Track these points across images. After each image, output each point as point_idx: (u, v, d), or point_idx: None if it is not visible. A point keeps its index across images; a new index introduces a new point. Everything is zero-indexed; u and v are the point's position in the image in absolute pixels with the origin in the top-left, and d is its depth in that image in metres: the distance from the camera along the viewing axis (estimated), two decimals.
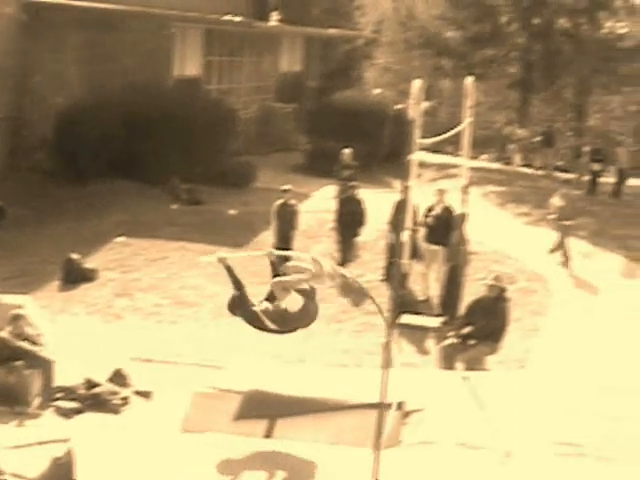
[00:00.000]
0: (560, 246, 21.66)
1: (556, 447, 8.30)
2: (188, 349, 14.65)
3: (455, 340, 12.96)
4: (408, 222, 9.96)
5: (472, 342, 12.96)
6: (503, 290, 13.31)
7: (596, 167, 30.32)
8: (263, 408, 9.11)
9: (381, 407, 6.72)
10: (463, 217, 14.46)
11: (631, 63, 37.46)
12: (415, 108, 7.95)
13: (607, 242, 23.87)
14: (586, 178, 30.74)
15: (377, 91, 37.00)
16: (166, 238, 20.45)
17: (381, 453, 6.83)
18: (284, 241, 18.93)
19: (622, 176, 30.22)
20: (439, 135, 11.49)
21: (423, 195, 19.71)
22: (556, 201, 22.30)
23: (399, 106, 29.66)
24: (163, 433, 8.89)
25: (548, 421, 8.71)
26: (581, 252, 22.86)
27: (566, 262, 21.28)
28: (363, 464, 6.97)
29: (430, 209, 18.35)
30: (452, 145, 27.23)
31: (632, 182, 31.15)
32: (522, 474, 7.56)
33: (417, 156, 9.92)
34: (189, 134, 24.01)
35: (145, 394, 11.76)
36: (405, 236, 8.71)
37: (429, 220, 18.11)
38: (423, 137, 10.19)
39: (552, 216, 22.29)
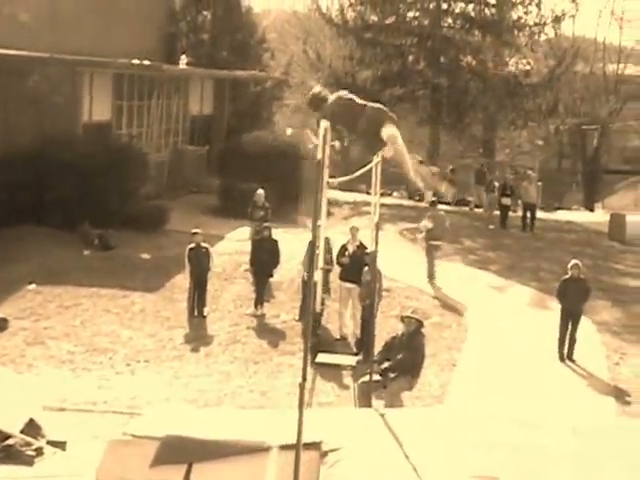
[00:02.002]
0: (431, 269, 22.23)
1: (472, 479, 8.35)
2: (103, 396, 14.44)
3: (373, 377, 12.97)
4: (320, 261, 9.98)
5: (391, 376, 12.99)
6: (420, 324, 13.40)
7: (506, 201, 30.84)
8: (180, 454, 8.99)
9: (298, 448, 6.69)
10: (376, 254, 14.54)
11: (536, 98, 38.30)
12: (322, 148, 8.00)
13: (519, 275, 24.26)
14: (497, 213, 31.25)
15: (289, 131, 37.22)
16: (78, 284, 20.19)
17: None
18: (198, 284, 18.88)
19: (532, 210, 30.78)
20: (349, 173, 11.59)
21: (337, 234, 19.86)
22: (425, 223, 22.78)
23: (311, 146, 29.86)
24: None
25: (465, 455, 8.76)
26: (494, 286, 23.20)
27: (431, 279, 21.94)
28: None
29: (344, 247, 18.46)
30: (365, 183, 27.49)
31: (541, 215, 31.76)
32: None
33: (327, 195, 9.96)
34: (100, 179, 23.80)
35: (59, 444, 11.53)
36: (318, 275, 8.73)
37: (343, 259, 18.21)
38: (333, 176, 10.25)
39: (421, 236, 23.02)
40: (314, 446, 8.81)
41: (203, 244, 19.04)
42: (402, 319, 13.59)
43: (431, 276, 22.47)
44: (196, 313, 18.72)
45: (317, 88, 9.63)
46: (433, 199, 25.05)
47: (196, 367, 16.19)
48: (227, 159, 30.25)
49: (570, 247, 27.52)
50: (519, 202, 32.08)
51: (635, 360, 17.93)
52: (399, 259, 23.65)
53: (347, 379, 15.18)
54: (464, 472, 8.41)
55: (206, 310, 18.85)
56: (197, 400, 14.35)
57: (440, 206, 25.07)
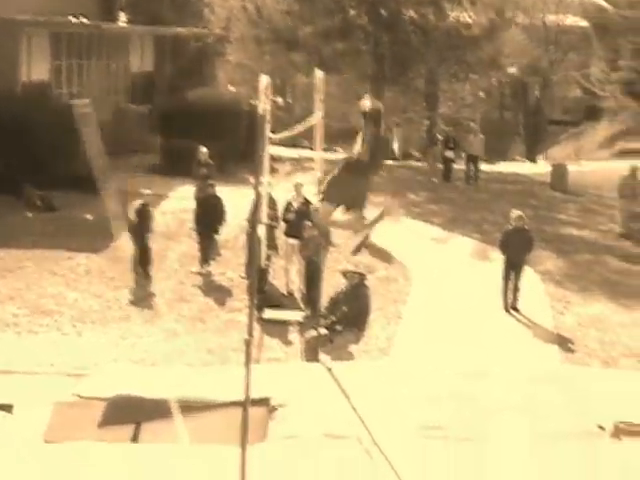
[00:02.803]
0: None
1: (421, 431, 8.44)
2: (49, 358, 14.36)
3: (320, 331, 13.04)
4: (265, 217, 9.96)
5: (337, 330, 13.06)
6: (362, 277, 13.48)
7: (449, 154, 30.96)
8: (128, 413, 8.99)
9: (245, 404, 6.70)
10: (319, 210, 14.55)
11: (477, 51, 38.33)
12: (264, 103, 7.96)
13: (463, 227, 24.43)
14: (440, 166, 31.37)
15: (231, 88, 36.93)
16: (22, 247, 19.99)
17: (248, 449, 6.81)
18: (142, 245, 18.76)
19: (475, 162, 30.94)
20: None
21: (282, 190, 19.82)
22: None
23: (253, 102, 29.66)
24: (24, 445, 8.69)
25: (412, 406, 8.85)
26: (438, 238, 23.36)
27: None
28: (230, 461, 6.95)
29: (289, 203, 18.44)
30: (309, 139, 27.41)
31: (485, 167, 31.93)
32: (389, 460, 7.65)
33: (270, 151, 9.92)
34: (40, 140, 23.49)
35: (6, 407, 11.44)
36: (262, 231, 8.72)
37: (288, 215, 18.20)
38: (276, 132, 10.19)
39: None
40: (262, 402, 8.85)
41: (145, 203, 18.95)
42: (344, 274, 13.63)
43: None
44: (141, 273, 18.64)
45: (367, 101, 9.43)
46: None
47: (143, 327, 16.13)
48: (169, 117, 29.95)
49: (513, 198, 27.72)
50: (462, 155, 32.23)
51: (579, 309, 18.18)
52: None
53: (294, 334, 15.23)
54: (411, 424, 8.49)
55: (151, 269, 18.76)
56: (144, 360, 14.32)
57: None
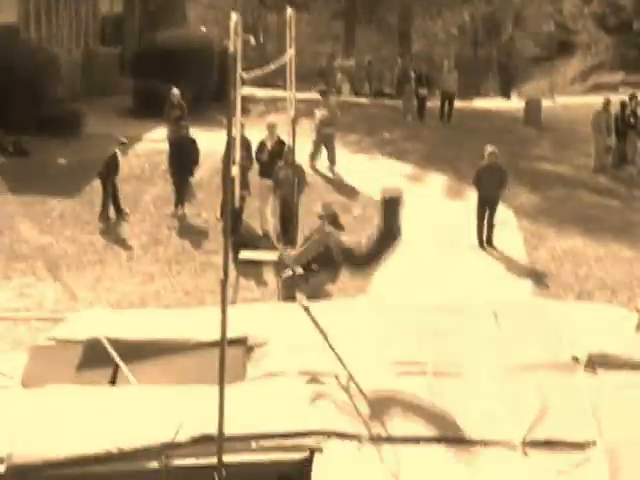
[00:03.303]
0: (316, 151, 22.32)
1: (398, 367, 8.47)
2: (25, 303, 14.33)
3: (295, 270, 13.04)
4: (238, 158, 9.90)
5: (313, 270, 13.08)
6: (335, 217, 13.47)
7: (423, 92, 30.83)
8: (106, 356, 8.97)
9: (222, 344, 6.71)
10: (294, 150, 14.51)
11: None
12: (235, 41, 7.86)
13: (437, 164, 24.43)
14: (414, 103, 31.24)
15: (203, 29, 36.55)
16: None
17: (226, 389, 6.83)
18: (113, 187, 18.74)
19: (449, 99, 30.84)
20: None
21: (254, 130, 19.73)
22: (319, 111, 22.87)
23: (225, 43, 29.38)
24: (2, 391, 8.68)
25: (389, 342, 8.87)
26: (412, 176, 23.36)
27: (313, 161, 22.29)
28: (209, 400, 6.96)
29: (262, 144, 18.36)
30: (281, 79, 27.22)
31: (459, 104, 31.85)
32: (366, 396, 7.70)
33: (243, 91, 9.84)
34: (9, 83, 23.22)
35: None
36: (236, 172, 8.67)
37: (261, 155, 18.13)
38: (246, 69, 10.09)
39: (315, 124, 23.22)
40: (239, 342, 8.85)
41: (119, 152, 18.86)
42: (319, 216, 13.63)
43: (313, 157, 22.42)
44: (114, 216, 18.59)
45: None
46: (323, 89, 25.04)
47: (118, 270, 16.11)
48: (140, 59, 29.66)
49: (487, 135, 27.66)
50: (436, 92, 32.12)
51: (552, 243, 18.29)
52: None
53: (270, 274, 15.24)
54: (388, 359, 8.53)
55: (124, 212, 18.70)
56: (120, 302, 14.33)
57: (359, 98, 25.07)
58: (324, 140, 22.73)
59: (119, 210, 18.73)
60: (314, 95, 35.19)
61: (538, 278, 16.28)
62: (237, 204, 14.90)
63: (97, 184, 19.90)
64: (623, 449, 6.79)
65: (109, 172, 18.55)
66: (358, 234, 18.06)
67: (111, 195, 18.67)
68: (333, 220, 13.55)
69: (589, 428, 7.08)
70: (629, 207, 21.63)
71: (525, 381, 7.91)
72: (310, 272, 13.17)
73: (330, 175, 22.54)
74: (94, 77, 30.92)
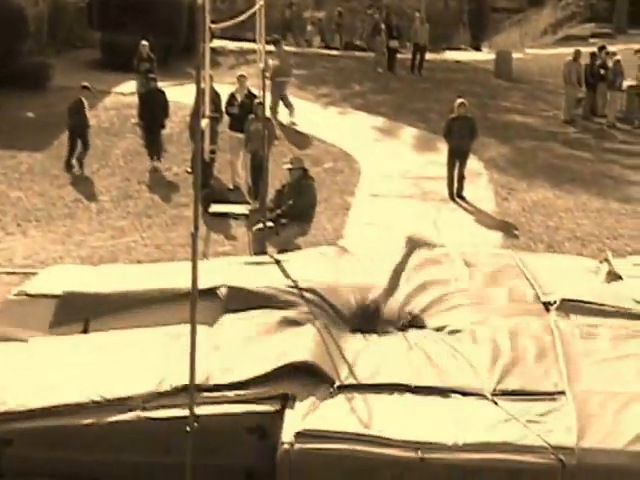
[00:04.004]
0: (275, 103, 22.25)
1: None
2: None
3: (266, 224, 13.03)
4: (208, 111, 9.84)
5: (283, 223, 13.08)
6: (305, 170, 13.44)
7: (393, 44, 30.69)
8: (79, 309, 8.96)
9: (193, 295, 6.71)
10: (264, 103, 14.45)
11: None
12: None
13: (408, 117, 24.39)
14: (385, 56, 31.10)
15: None
16: None
17: (197, 338, 6.85)
18: (81, 138, 18.61)
19: (421, 51, 30.70)
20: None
21: (224, 83, 19.62)
22: (272, 60, 22.68)
23: None
24: None
25: (360, 292, 8.90)
26: (383, 129, 23.33)
27: (274, 113, 22.02)
28: (180, 345, 7.00)
29: (232, 96, 18.25)
30: (252, 31, 27.01)
31: (430, 56, 31.73)
32: (338, 342, 7.73)
33: (212, 44, 9.75)
34: None
35: None
36: (205, 125, 8.60)
37: (232, 108, 18.03)
38: (214, 21, 9.99)
39: (268, 75, 22.97)
40: (211, 293, 8.87)
41: (83, 98, 18.70)
42: (289, 169, 13.59)
43: (274, 110, 22.31)
44: (78, 168, 18.51)
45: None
46: (276, 37, 24.88)
47: (88, 224, 16.03)
48: (108, 11, 29.27)
49: (458, 87, 27.64)
50: (407, 44, 31.98)
51: (522, 195, 18.35)
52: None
53: (241, 228, 15.23)
54: (359, 307, 8.58)
55: (84, 164, 18.59)
56: (91, 257, 14.27)
57: (330, 51, 24.94)
58: (279, 89, 22.56)
59: (81, 164, 18.63)
60: (287, 47, 35.07)
61: (508, 230, 16.35)
62: (207, 158, 14.83)
63: (66, 138, 19.75)
64: (591, 398, 6.87)
65: (72, 119, 18.45)
66: (329, 187, 18.12)
67: (75, 145, 18.57)
68: (302, 173, 13.50)
69: (558, 377, 7.16)
70: (599, 159, 21.72)
71: (497, 329, 7.98)
72: (280, 225, 13.17)
73: (293, 124, 22.48)
74: (61, 30, 30.55)
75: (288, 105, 22.92)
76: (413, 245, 9.22)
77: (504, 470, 6.30)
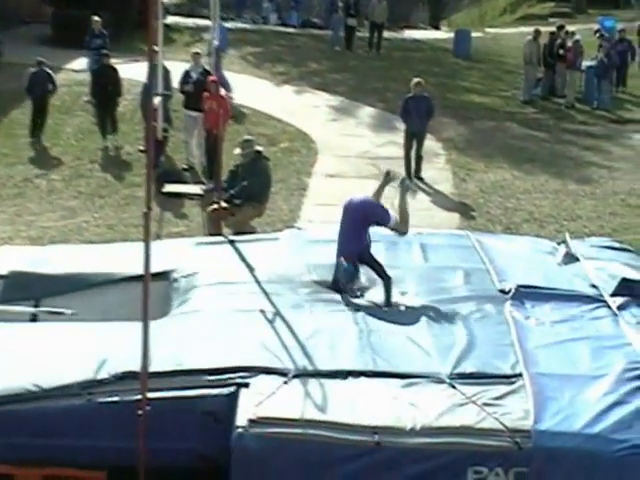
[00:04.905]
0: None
1: (324, 300, 8.51)
2: None
3: (221, 204, 12.97)
4: (161, 88, 9.76)
5: (237, 203, 13.01)
6: (258, 151, 13.34)
7: (351, 22, 30.62)
8: (26, 290, 8.88)
9: (146, 277, 6.67)
10: (220, 80, 14.37)
11: None
12: None
13: (366, 96, 24.38)
14: (342, 34, 31.03)
15: None
16: None
17: (150, 324, 6.81)
18: (40, 108, 18.48)
19: (379, 30, 30.66)
20: None
21: (179, 60, 19.50)
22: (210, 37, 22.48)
23: None
24: None
25: (314, 277, 8.90)
26: (340, 108, 23.31)
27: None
28: (134, 336, 6.93)
29: (187, 74, 18.12)
30: (207, 8, 26.87)
31: (388, 35, 31.73)
32: (292, 327, 7.74)
33: (167, 20, 9.68)
34: None
35: None
36: (159, 103, 8.53)
37: (186, 86, 17.91)
38: None
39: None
40: (164, 275, 8.82)
41: (45, 68, 18.58)
42: (241, 147, 13.48)
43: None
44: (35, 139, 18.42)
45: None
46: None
47: (39, 204, 15.88)
48: None
49: (416, 66, 27.68)
50: (365, 22, 31.94)
51: (480, 175, 18.43)
52: (244, 84, 23.43)
53: (196, 208, 15.16)
54: (314, 292, 8.58)
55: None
56: (42, 238, 14.14)
57: (287, 29, 24.84)
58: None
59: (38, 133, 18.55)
60: (243, 24, 34.90)
61: (466, 211, 16.42)
62: (160, 136, 14.74)
63: (15, 115, 19.56)
64: (548, 381, 6.93)
65: (29, 91, 18.40)
66: (285, 167, 18.09)
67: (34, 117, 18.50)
68: (256, 153, 13.40)
69: (515, 361, 7.21)
70: (557, 139, 21.85)
71: (452, 314, 8.01)
72: (235, 206, 13.12)
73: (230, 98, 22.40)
74: (11, 4, 30.17)
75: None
76: (390, 178, 9.27)
77: (461, 453, 6.33)
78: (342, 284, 8.54)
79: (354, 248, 8.71)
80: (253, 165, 13.20)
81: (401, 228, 8.91)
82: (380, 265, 8.64)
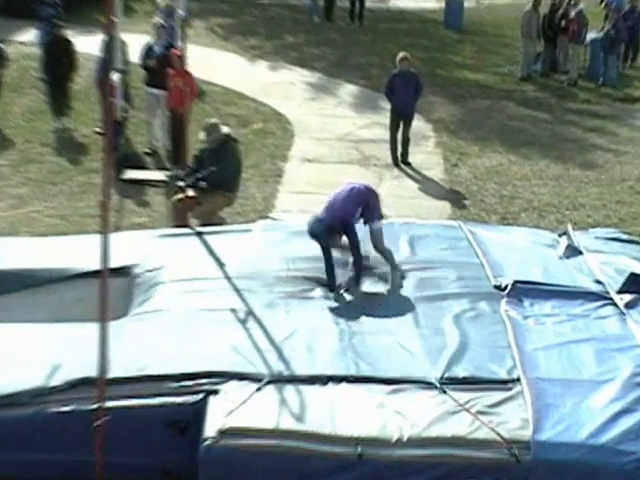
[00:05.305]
0: None
1: (300, 298, 8.53)
2: None
3: (187, 193, 12.96)
4: (119, 63, 9.76)
5: (204, 190, 12.95)
6: (226, 134, 13.28)
7: None
8: None
9: (104, 274, 6.65)
10: (185, 55, 14.31)
11: None
12: None
13: (347, 72, 24.39)
14: (321, 3, 30.99)
15: None
16: None
17: (109, 325, 6.80)
18: None
19: None
20: None
21: (140, 32, 19.41)
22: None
23: None
24: None
25: (289, 273, 8.93)
26: (320, 86, 23.30)
27: None
28: (90, 335, 6.94)
29: (149, 47, 18.04)
30: None
31: (371, 4, 31.69)
32: (267, 329, 7.76)
33: None
34: None
35: None
36: (117, 79, 8.52)
37: (149, 60, 17.83)
38: None
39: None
40: (125, 272, 8.83)
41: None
42: (206, 129, 13.44)
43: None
44: None
45: None
46: None
47: None
48: None
49: (403, 39, 27.67)
50: None
51: (474, 160, 18.47)
52: (212, 59, 23.40)
53: (159, 196, 15.13)
54: (290, 290, 8.60)
55: None
56: None
57: None
58: None
59: None
60: None
61: (458, 199, 16.44)
62: (119, 116, 14.71)
63: None
64: (548, 386, 6.95)
65: None
66: (258, 150, 18.08)
67: None
68: (224, 136, 13.34)
69: (512, 364, 7.23)
70: (559, 120, 21.91)
71: (443, 312, 8.04)
72: (202, 194, 13.07)
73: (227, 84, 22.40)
74: None
75: None
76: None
77: (453, 467, 6.35)
78: (323, 240, 8.73)
79: (342, 214, 8.97)
80: (221, 149, 13.12)
81: (376, 241, 9.07)
82: (359, 242, 8.78)
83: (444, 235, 9.82)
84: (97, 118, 18.48)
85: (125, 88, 16.20)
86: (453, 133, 20.21)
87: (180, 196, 12.94)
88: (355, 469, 6.34)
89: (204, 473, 6.35)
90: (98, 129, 18.11)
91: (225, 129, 13.43)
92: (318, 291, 8.50)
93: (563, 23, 25.25)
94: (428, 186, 17.01)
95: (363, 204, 9.15)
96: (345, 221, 8.95)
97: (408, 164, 17.90)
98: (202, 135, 13.23)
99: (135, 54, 17.67)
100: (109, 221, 6.63)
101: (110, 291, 6.73)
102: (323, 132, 19.65)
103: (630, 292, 8.42)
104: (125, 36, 13.84)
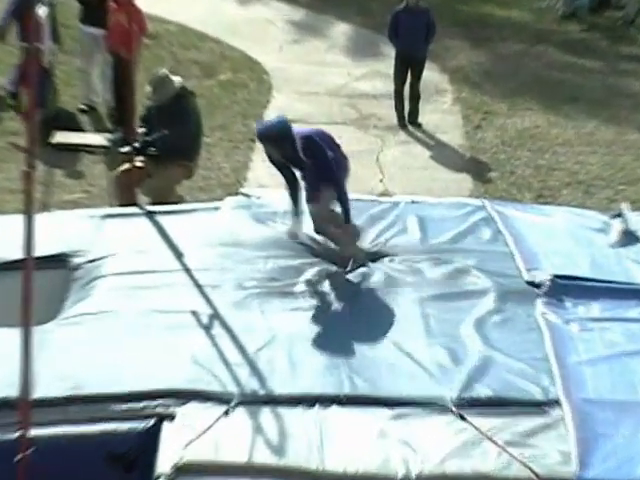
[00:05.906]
0: None
1: (280, 295, 8.59)
2: None
3: (135, 163, 12.95)
4: None
5: (152, 153, 12.95)
6: (180, 88, 13.29)
7: None
8: None
9: (28, 264, 6.66)
10: None
11: None
12: None
13: (339, 8, 24.40)
14: None
15: None
16: None
17: (37, 331, 6.82)
18: None
19: None
20: None
21: None
22: None
23: None
24: None
25: (264, 264, 8.98)
26: (307, 25, 23.33)
27: None
28: (10, 344, 6.96)
29: None
30: None
31: None
32: (238, 337, 7.79)
33: None
34: None
35: None
36: (42, 13, 8.53)
37: None
38: None
39: None
40: (54, 262, 8.84)
41: None
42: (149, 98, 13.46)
43: None
44: None
45: None
46: None
47: None
48: None
49: None
50: None
51: (502, 120, 18.51)
52: None
53: (99, 167, 15.16)
54: (266, 285, 8.64)
55: None
56: None
57: None
58: None
59: None
60: None
61: (481, 171, 16.49)
62: (46, 62, 14.71)
63: None
64: (596, 410, 6.98)
65: None
66: (226, 108, 18.08)
67: None
68: (178, 89, 13.34)
69: (549, 382, 7.26)
70: (612, 69, 21.96)
71: (462, 316, 8.05)
72: (153, 164, 13.07)
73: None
74: None
75: None
76: None
77: None
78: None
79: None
80: (175, 107, 13.10)
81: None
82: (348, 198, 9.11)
83: (464, 217, 9.83)
84: (13, 65, 18.49)
85: (53, 25, 16.21)
86: (476, 86, 20.25)
87: (125, 166, 12.94)
88: None
89: None
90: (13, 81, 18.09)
91: (178, 80, 13.40)
92: (302, 286, 8.50)
93: None
94: (443, 154, 17.07)
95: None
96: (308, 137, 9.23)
97: (418, 125, 17.96)
98: (149, 89, 13.24)
99: None
100: (34, 197, 6.63)
101: (36, 287, 6.72)
102: (309, 85, 19.67)
103: None
104: None
